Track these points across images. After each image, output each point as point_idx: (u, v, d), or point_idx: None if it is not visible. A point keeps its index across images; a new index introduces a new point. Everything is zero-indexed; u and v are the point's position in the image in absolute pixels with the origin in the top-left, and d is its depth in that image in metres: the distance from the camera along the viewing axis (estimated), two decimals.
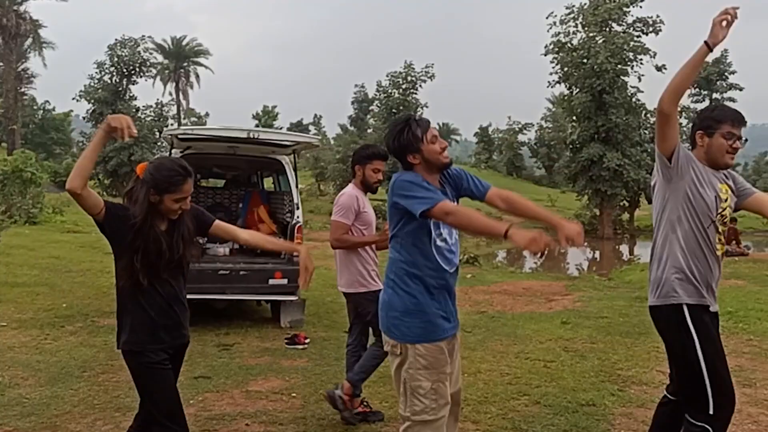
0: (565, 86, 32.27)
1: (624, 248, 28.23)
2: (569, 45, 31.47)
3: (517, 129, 64.14)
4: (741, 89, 39.35)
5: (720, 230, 3.08)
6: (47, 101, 59.41)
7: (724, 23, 2.86)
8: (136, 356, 2.90)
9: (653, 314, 3.17)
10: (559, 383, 5.35)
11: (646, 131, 31.44)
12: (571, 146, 32.72)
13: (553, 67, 32.11)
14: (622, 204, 33.07)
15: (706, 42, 2.88)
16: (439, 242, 2.92)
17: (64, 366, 5.59)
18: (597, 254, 25.21)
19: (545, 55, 32.13)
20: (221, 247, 8.07)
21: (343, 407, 4.41)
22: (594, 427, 4.37)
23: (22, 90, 44.51)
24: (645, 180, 28.69)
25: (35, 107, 56.53)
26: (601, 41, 30.54)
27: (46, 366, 5.54)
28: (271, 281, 7.46)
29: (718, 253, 3.09)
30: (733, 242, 16.00)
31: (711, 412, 2.94)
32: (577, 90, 31.39)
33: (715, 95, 39.72)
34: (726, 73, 38.74)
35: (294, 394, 5.06)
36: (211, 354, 6.20)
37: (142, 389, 2.94)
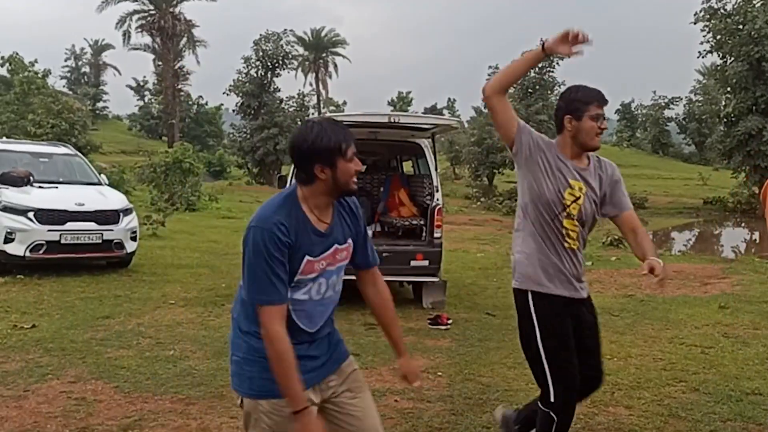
0: (718, 56, 29.91)
1: None
2: (722, 11, 29.10)
3: (663, 104, 60.36)
4: None
5: (568, 225, 2.95)
6: (200, 96, 63.57)
7: (570, 39, 2.74)
8: None
9: (514, 297, 3.13)
10: (720, 370, 5.06)
11: None
12: (725, 120, 30.40)
13: (704, 36, 29.84)
14: None
15: (543, 43, 2.81)
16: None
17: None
18: (756, 235, 23.24)
19: (695, 23, 29.91)
20: None
21: None
22: (761, 417, 4.10)
23: (179, 87, 47.85)
24: None
25: (190, 102, 60.72)
26: (759, 4, 27.99)
27: (211, 340, 6.00)
28: (413, 263, 7.60)
29: (569, 246, 2.98)
30: None
31: (552, 399, 2.95)
32: (732, 59, 29.00)
33: None
34: None
35: (440, 373, 5.15)
36: (358, 332, 6.43)
37: None
